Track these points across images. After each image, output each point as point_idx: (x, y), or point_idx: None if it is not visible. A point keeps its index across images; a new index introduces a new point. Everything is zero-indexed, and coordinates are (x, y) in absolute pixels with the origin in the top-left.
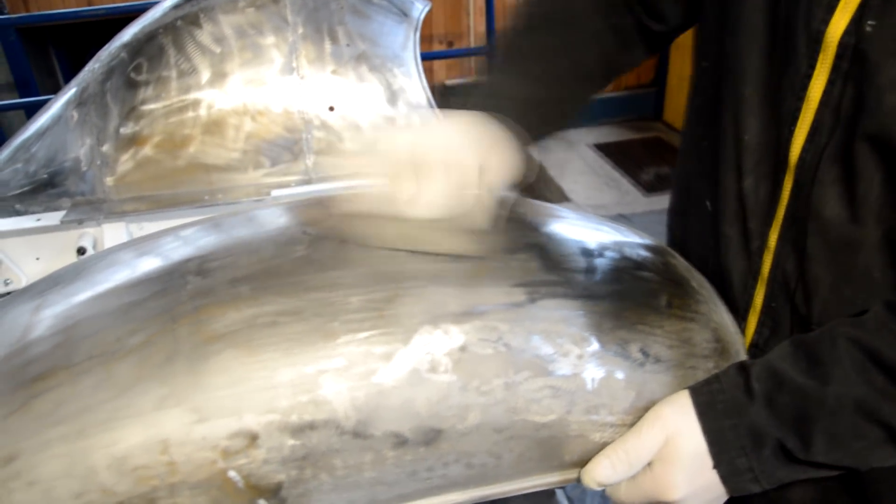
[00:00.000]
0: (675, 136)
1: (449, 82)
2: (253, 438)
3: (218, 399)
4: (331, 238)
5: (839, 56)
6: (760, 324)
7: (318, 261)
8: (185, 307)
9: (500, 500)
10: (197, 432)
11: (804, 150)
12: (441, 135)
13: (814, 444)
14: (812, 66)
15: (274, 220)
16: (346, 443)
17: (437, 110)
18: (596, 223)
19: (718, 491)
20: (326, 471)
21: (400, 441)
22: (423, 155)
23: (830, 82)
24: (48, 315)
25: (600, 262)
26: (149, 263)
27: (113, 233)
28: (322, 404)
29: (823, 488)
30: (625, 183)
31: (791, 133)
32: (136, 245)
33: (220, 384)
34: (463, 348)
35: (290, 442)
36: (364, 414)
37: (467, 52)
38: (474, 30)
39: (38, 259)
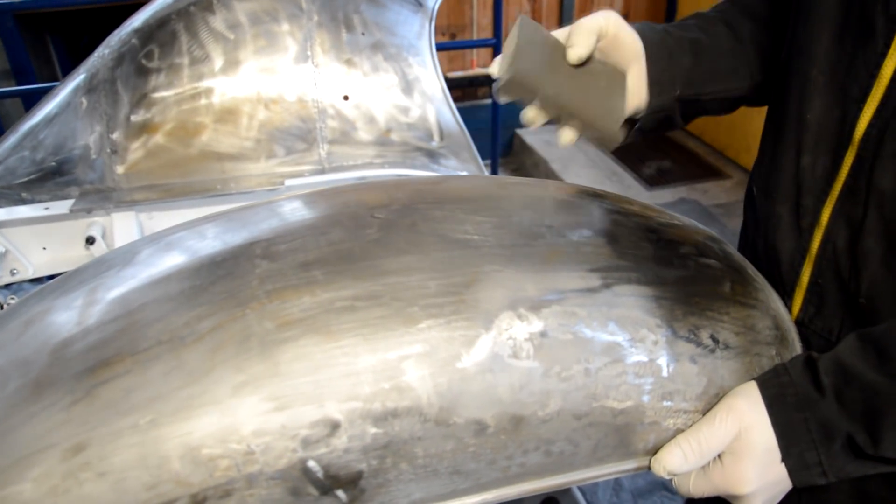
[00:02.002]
0: (675, 131)
1: (450, 74)
2: (334, 427)
3: (297, 386)
4: (402, 222)
5: None
6: (806, 301)
7: (392, 244)
8: (255, 291)
9: None
10: (276, 421)
11: (870, 125)
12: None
13: (884, 439)
14: (888, 45)
15: (334, 203)
16: (429, 430)
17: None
18: (654, 210)
19: (785, 484)
20: (407, 460)
21: (482, 428)
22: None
23: None
24: (105, 300)
25: (666, 249)
26: (207, 247)
27: (123, 222)
28: (405, 391)
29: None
30: (627, 177)
31: (860, 109)
32: (189, 228)
33: (299, 371)
34: (543, 333)
35: (373, 430)
36: (447, 400)
37: (471, 45)
38: (477, 22)
39: (44, 249)
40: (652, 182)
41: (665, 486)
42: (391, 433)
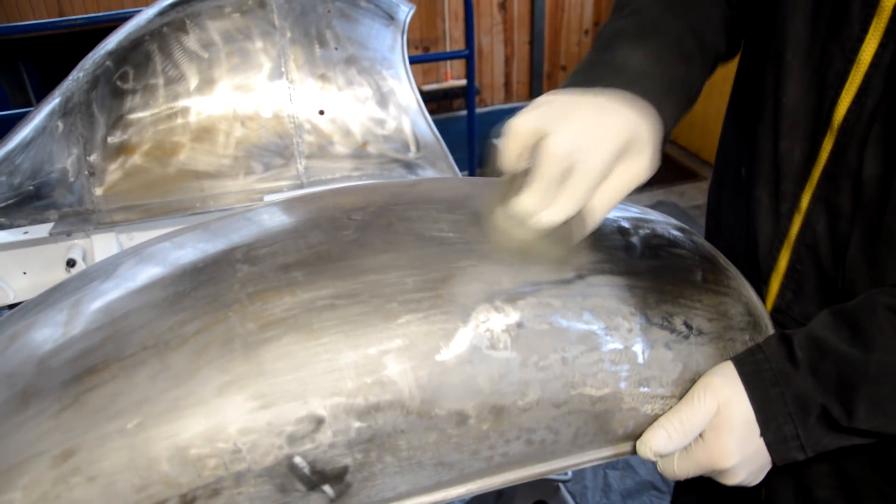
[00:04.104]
0: None
1: (425, 87)
2: (319, 422)
3: (281, 384)
4: (378, 223)
5: (893, 19)
6: (783, 287)
7: (369, 244)
8: (238, 294)
9: (508, 490)
10: (261, 418)
11: (849, 111)
12: (596, 138)
13: (856, 410)
14: (865, 31)
15: (312, 208)
16: (412, 423)
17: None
18: (623, 205)
19: (765, 459)
20: (391, 453)
21: (463, 419)
22: (575, 163)
23: (882, 45)
24: (90, 310)
25: (637, 240)
26: (188, 255)
27: (103, 244)
28: (387, 385)
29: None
30: None
31: (837, 95)
32: (170, 238)
33: (283, 369)
34: (520, 325)
35: (357, 424)
36: (428, 393)
37: (444, 57)
38: (450, 35)
39: (25, 273)
40: None
41: (654, 486)
42: (375, 427)
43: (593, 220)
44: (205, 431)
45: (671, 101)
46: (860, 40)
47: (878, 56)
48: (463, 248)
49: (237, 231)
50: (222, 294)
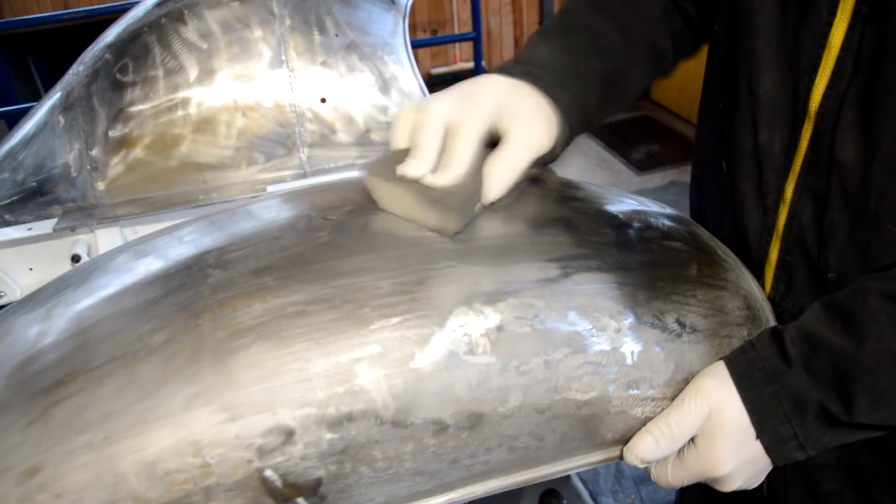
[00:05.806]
0: (663, 114)
1: (434, 70)
2: (289, 434)
3: (250, 395)
4: (354, 223)
5: (859, 1)
6: (776, 279)
7: (343, 246)
8: (208, 301)
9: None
10: (230, 431)
11: (825, 96)
12: (471, 101)
13: (856, 404)
14: (833, 14)
15: (288, 207)
16: (386, 433)
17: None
18: (617, 195)
19: (764, 462)
20: (366, 464)
21: (441, 428)
22: (452, 124)
23: (851, 27)
24: (61, 319)
25: (628, 234)
26: (161, 260)
27: (107, 238)
28: (359, 394)
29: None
30: (616, 163)
31: (812, 81)
32: (144, 242)
33: (251, 379)
34: (500, 328)
35: (328, 436)
36: (403, 402)
37: (451, 39)
38: (458, 17)
39: (31, 269)
40: (642, 167)
41: None
42: (347, 438)
43: (491, 186)
44: (172, 445)
45: (573, 89)
46: (829, 24)
47: (847, 39)
48: (441, 248)
49: (211, 234)
50: (193, 301)
